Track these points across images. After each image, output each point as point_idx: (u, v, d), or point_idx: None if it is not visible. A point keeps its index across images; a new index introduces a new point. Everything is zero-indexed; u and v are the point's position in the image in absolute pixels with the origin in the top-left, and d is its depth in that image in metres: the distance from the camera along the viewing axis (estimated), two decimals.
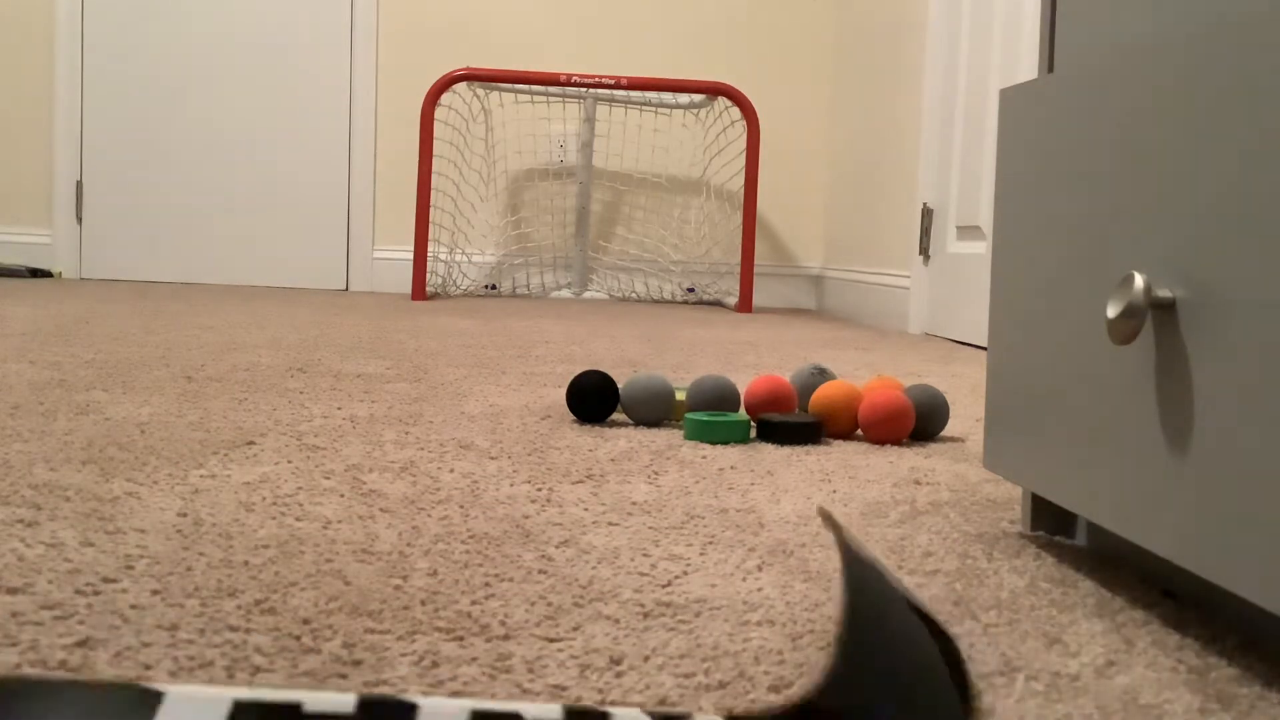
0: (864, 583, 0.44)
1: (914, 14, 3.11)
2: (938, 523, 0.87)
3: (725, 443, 1.18)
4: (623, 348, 2.20)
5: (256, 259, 4.03)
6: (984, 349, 2.56)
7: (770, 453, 1.14)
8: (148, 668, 0.52)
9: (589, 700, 0.51)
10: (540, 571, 0.70)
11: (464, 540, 0.77)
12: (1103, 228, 0.68)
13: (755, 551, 0.77)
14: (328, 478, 0.95)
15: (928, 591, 0.69)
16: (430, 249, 3.87)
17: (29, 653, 0.53)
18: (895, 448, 1.21)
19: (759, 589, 0.68)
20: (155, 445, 1.05)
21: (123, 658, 0.53)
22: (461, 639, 0.58)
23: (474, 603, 0.64)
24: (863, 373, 1.92)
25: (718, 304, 3.91)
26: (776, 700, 0.52)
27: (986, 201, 2.65)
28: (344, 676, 0.52)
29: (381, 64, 3.99)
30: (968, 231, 2.76)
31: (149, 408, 1.26)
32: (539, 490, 0.93)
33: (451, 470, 1.00)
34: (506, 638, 0.58)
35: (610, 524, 0.83)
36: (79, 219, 4.01)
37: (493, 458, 1.06)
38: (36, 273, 3.91)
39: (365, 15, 3.97)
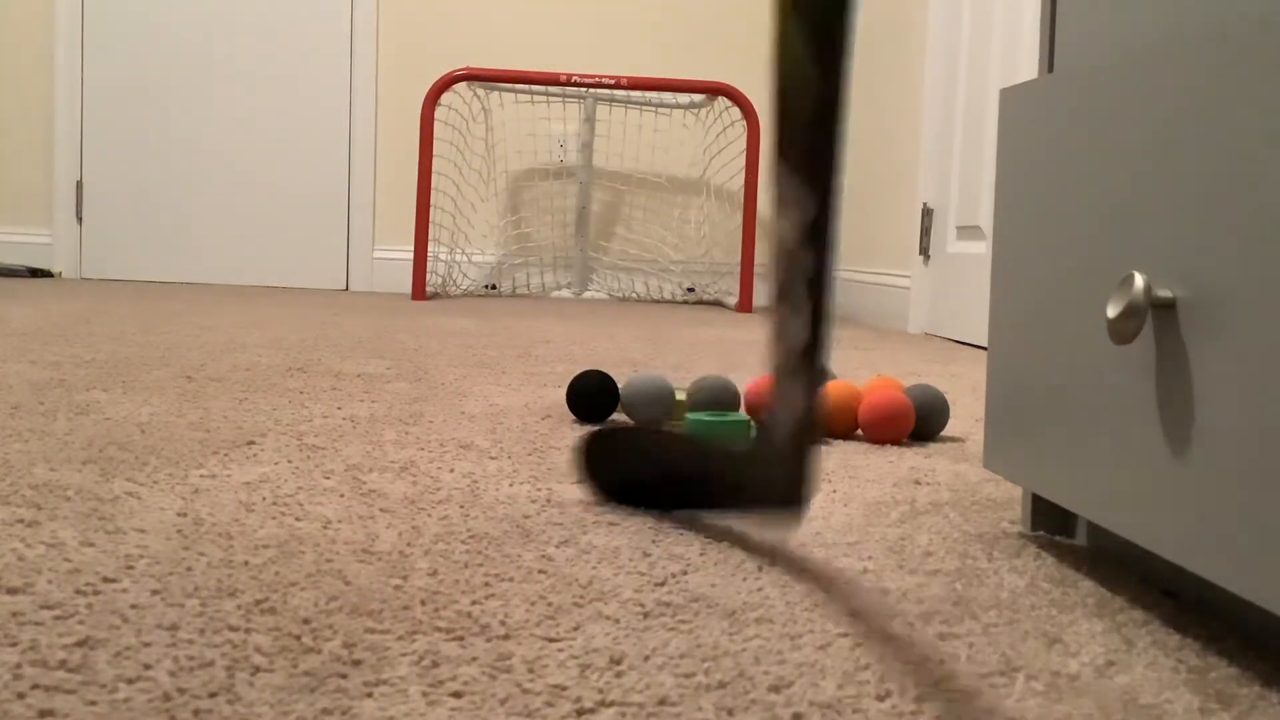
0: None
1: (914, 14, 3.11)
2: (938, 523, 0.87)
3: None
4: (623, 347, 2.20)
5: (256, 259, 4.03)
6: (984, 349, 2.55)
7: None
8: (147, 667, 0.52)
9: (589, 701, 0.51)
10: (540, 571, 0.70)
11: (464, 540, 0.77)
12: (1103, 227, 0.68)
13: (755, 551, 0.77)
14: (328, 478, 0.95)
15: (928, 591, 0.69)
16: (430, 249, 3.87)
17: (29, 652, 0.53)
18: (895, 448, 1.21)
19: (759, 589, 0.68)
20: (155, 445, 1.05)
21: (123, 658, 0.53)
22: (461, 639, 0.58)
23: (474, 603, 0.64)
24: (863, 373, 1.92)
25: (718, 304, 3.91)
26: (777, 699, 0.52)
27: (986, 201, 2.65)
28: (344, 676, 0.52)
29: (381, 64, 3.99)
30: (968, 231, 2.76)
31: (149, 408, 1.26)
32: (539, 490, 0.93)
33: (451, 470, 1.00)
34: (506, 638, 0.58)
35: (610, 524, 0.83)
36: (79, 219, 4.01)
37: (493, 458, 1.06)
38: (36, 273, 3.91)
39: (365, 15, 3.97)
